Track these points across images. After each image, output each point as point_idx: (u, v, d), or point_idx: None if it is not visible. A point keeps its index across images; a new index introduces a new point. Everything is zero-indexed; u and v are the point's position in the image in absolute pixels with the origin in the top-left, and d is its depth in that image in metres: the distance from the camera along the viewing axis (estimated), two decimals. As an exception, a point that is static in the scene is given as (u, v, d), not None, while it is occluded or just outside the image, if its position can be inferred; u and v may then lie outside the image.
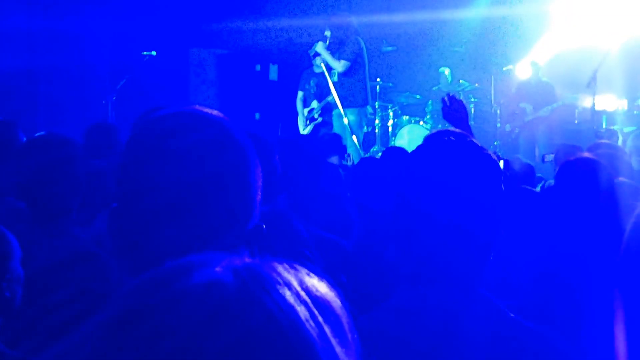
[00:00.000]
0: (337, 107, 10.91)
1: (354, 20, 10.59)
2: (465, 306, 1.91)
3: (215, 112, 1.62)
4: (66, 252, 3.14)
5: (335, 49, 10.40)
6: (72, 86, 12.88)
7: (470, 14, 15.26)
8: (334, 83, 10.43)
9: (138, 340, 0.79)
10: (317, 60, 10.48)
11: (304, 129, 11.62)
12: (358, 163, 6.76)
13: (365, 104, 10.61)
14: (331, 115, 11.51)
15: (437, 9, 14.88)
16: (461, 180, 1.92)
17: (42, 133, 3.58)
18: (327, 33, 10.44)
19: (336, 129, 10.80)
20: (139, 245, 1.52)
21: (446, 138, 2.01)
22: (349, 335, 0.90)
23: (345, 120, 10.43)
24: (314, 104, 11.66)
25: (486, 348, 1.87)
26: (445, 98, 4.46)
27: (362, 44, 10.50)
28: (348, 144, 10.22)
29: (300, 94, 11.99)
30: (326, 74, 10.51)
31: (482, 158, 1.97)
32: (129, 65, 11.33)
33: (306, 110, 11.76)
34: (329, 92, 11.20)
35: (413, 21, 10.28)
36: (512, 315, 1.94)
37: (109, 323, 0.83)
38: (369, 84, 10.85)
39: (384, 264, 3.52)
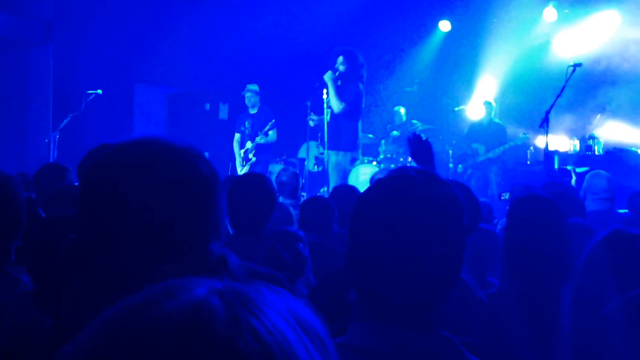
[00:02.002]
0: (267, 148, 12.09)
1: (365, 69, 10.62)
2: (422, 345, 1.82)
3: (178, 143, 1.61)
4: (5, 293, 3.02)
5: (337, 84, 10.43)
6: (13, 124, 12.72)
7: (423, 54, 15.45)
8: (327, 122, 10.52)
9: None
10: (325, 91, 10.45)
11: (241, 170, 11.93)
12: (304, 202, 6.70)
13: (354, 149, 10.68)
14: (265, 155, 12.22)
15: (389, 48, 15.03)
16: (419, 216, 1.83)
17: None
18: (342, 68, 10.43)
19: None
20: (102, 274, 1.50)
21: (404, 173, 1.93)
22: None
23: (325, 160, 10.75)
24: (248, 144, 12.11)
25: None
26: (411, 138, 4.39)
27: (363, 93, 10.56)
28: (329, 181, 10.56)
29: (237, 135, 12.42)
30: (325, 108, 10.58)
31: (441, 193, 1.88)
32: (74, 103, 11.21)
33: (242, 151, 12.17)
34: (259, 132, 11.94)
35: (364, 60, 10.32)
36: (470, 357, 1.86)
37: (86, 352, 0.77)
38: (360, 132, 10.89)
39: (342, 304, 3.44)
